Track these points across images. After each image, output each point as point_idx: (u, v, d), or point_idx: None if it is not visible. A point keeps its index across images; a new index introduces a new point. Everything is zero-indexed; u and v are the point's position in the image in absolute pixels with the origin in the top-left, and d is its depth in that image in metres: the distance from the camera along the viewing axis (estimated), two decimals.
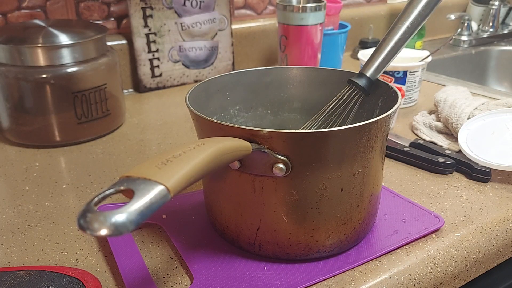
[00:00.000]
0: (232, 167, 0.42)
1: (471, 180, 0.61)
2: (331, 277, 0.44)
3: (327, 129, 0.40)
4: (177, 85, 1.00)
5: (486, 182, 0.61)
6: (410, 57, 0.86)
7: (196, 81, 1.01)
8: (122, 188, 0.30)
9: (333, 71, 0.57)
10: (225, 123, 0.41)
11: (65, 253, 0.49)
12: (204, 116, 0.42)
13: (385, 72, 0.83)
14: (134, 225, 0.27)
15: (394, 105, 0.45)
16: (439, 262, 0.47)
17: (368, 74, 0.52)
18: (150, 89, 0.97)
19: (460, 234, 0.50)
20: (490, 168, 0.60)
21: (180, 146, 0.34)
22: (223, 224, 0.48)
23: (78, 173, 0.65)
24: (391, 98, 0.49)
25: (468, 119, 0.70)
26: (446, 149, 0.66)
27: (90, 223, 0.27)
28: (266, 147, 0.40)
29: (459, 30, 1.34)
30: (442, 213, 0.54)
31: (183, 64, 0.99)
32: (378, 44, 0.53)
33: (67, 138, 0.73)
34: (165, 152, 0.33)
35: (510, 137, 0.63)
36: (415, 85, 0.85)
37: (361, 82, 0.52)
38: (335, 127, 0.52)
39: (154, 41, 0.94)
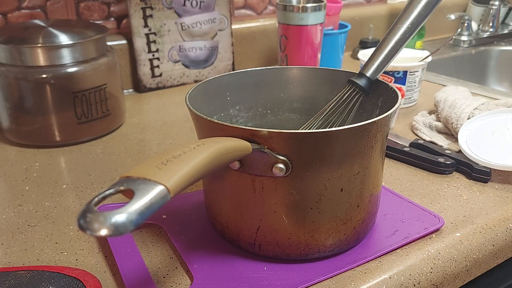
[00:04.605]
0: (232, 167, 0.42)
1: (471, 180, 0.61)
2: (331, 277, 0.44)
3: (327, 129, 0.40)
4: (177, 85, 1.00)
5: (486, 182, 0.61)
6: (410, 57, 0.86)
7: (196, 81, 1.01)
8: (122, 188, 0.30)
9: (333, 71, 0.57)
10: (225, 123, 0.41)
11: (65, 253, 0.49)
12: (204, 116, 0.42)
13: (385, 72, 0.83)
14: (134, 225, 0.27)
15: (394, 105, 0.45)
16: (439, 262, 0.47)
17: (368, 74, 0.52)
18: (150, 89, 0.97)
19: (460, 234, 0.50)
20: (490, 168, 0.60)
21: (180, 146, 0.34)
22: (223, 224, 0.48)
23: (78, 173, 0.65)
24: (391, 98, 0.49)
25: (468, 119, 0.70)
26: (446, 149, 0.66)
27: (90, 223, 0.27)
28: (266, 147, 0.40)
29: (459, 30, 1.34)
30: (442, 213, 0.54)
31: (183, 64, 0.99)
32: (378, 44, 0.53)
33: (67, 138, 0.73)
34: (165, 152, 0.33)
35: (510, 137, 0.63)
36: (415, 85, 0.85)
37: (361, 82, 0.52)
38: (335, 127, 0.52)
39: (154, 41, 0.94)
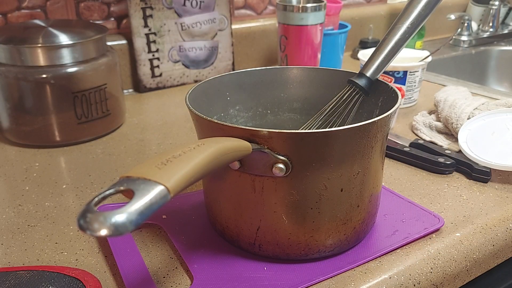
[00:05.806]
0: (232, 167, 0.42)
1: (471, 180, 0.61)
2: (331, 277, 0.44)
3: (327, 129, 0.40)
4: (177, 85, 1.00)
5: (486, 182, 0.61)
6: (410, 57, 0.86)
7: (196, 81, 1.01)
8: (122, 188, 0.30)
9: (333, 71, 0.57)
10: (225, 123, 0.41)
11: (65, 253, 0.49)
12: (204, 116, 0.42)
13: (385, 72, 0.83)
14: (134, 225, 0.27)
15: (394, 105, 0.45)
16: (439, 262, 0.47)
17: (368, 74, 0.52)
18: (150, 89, 0.97)
19: (460, 234, 0.50)
20: (490, 168, 0.60)
21: (180, 146, 0.34)
22: (223, 224, 0.48)
23: (78, 173, 0.65)
24: (391, 98, 0.49)
25: (468, 119, 0.70)
26: (446, 149, 0.66)
27: (90, 224, 0.27)
28: (266, 147, 0.40)
29: (459, 30, 1.34)
30: (442, 213, 0.54)
31: (183, 64, 0.99)
32: (378, 44, 0.53)
33: (67, 138, 0.73)
34: (165, 152, 0.33)
35: (510, 137, 0.63)
36: (415, 85, 0.85)
37: (361, 82, 0.52)
38: (335, 127, 0.52)
39: (154, 41, 0.94)
